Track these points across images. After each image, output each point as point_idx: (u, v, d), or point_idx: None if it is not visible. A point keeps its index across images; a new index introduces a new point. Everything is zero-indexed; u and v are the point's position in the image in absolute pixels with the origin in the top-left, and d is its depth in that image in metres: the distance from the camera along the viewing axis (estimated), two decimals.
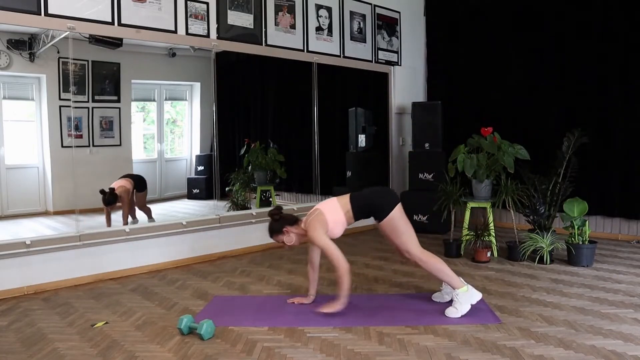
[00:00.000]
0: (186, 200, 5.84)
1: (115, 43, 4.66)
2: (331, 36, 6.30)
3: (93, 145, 4.96)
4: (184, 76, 5.78)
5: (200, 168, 5.92)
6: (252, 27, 5.49)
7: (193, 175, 5.96)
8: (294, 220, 3.58)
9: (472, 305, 3.39)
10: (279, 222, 3.55)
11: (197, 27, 5.05)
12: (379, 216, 3.47)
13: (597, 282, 4.16)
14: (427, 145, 6.49)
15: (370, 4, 6.79)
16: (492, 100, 6.74)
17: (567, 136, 5.06)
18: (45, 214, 4.79)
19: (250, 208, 5.84)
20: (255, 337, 3.10)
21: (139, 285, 4.30)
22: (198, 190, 5.87)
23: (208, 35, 5.15)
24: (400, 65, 7.25)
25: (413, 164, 6.60)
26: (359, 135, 6.67)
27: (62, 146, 4.77)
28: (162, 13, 4.79)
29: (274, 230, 3.57)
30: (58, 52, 4.50)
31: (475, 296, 3.41)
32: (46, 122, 4.77)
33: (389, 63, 7.09)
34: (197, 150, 5.98)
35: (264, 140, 6.12)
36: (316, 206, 3.58)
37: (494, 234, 5.05)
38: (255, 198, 6.05)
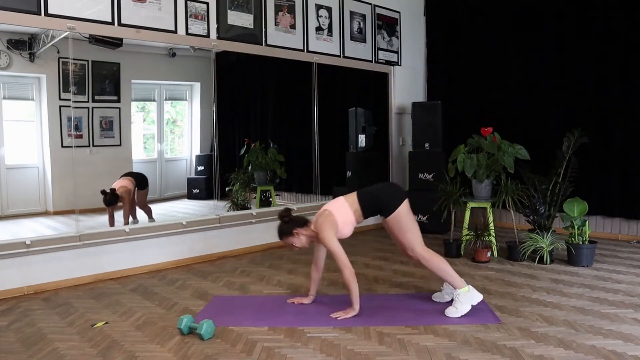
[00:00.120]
0: (186, 200, 5.84)
1: (115, 43, 4.66)
2: (331, 36, 6.30)
3: (93, 145, 4.97)
4: (184, 76, 5.78)
5: (200, 168, 5.92)
6: (252, 27, 5.49)
7: (193, 175, 5.96)
8: (303, 222, 3.54)
9: (472, 306, 3.39)
10: (289, 224, 3.52)
11: (197, 27, 5.05)
12: (386, 212, 3.46)
13: (597, 282, 4.16)
14: (427, 145, 6.49)
15: (370, 4, 6.79)
16: (492, 100, 6.74)
17: (567, 136, 5.06)
18: (45, 214, 4.79)
19: (250, 208, 5.84)
20: (255, 337, 3.10)
21: (139, 285, 4.30)
22: (198, 190, 5.87)
23: (208, 35, 5.15)
24: (400, 65, 7.25)
25: (413, 164, 6.60)
26: (359, 135, 6.67)
27: (62, 146, 4.77)
28: (162, 13, 4.79)
29: (284, 233, 3.53)
30: (58, 52, 4.50)
31: (476, 297, 3.41)
32: (46, 122, 4.77)
33: (389, 63, 7.09)
34: (197, 150, 5.98)
35: (264, 140, 6.12)
36: (325, 206, 3.56)
37: (494, 234, 5.05)
38: (255, 198, 6.05)
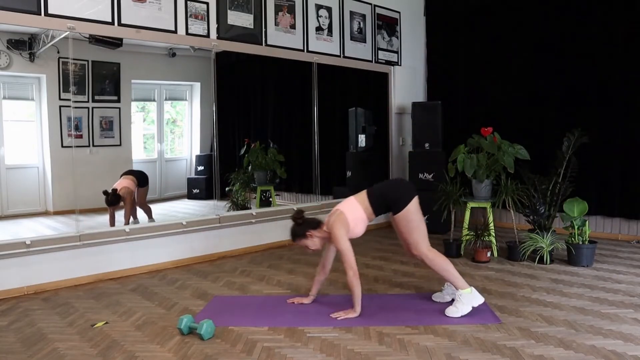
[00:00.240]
0: (186, 200, 5.84)
1: (115, 43, 4.66)
2: (331, 36, 6.30)
3: (93, 145, 4.97)
4: (184, 76, 5.78)
5: (200, 168, 5.92)
6: (252, 27, 5.49)
7: (193, 175, 5.96)
8: (316, 223, 3.53)
9: (473, 307, 3.39)
10: (302, 226, 3.51)
11: (197, 27, 5.05)
12: (395, 209, 3.45)
13: (597, 282, 4.16)
14: (427, 145, 6.49)
15: (370, 4, 6.79)
16: (492, 100, 6.74)
17: (567, 136, 5.06)
18: (45, 214, 4.79)
19: (250, 208, 5.84)
20: (255, 337, 3.10)
21: (139, 285, 4.30)
22: (198, 190, 5.87)
23: (208, 35, 5.15)
24: (400, 65, 7.25)
25: (413, 164, 6.60)
26: (359, 135, 6.67)
27: (62, 146, 4.77)
28: (162, 13, 4.79)
29: (297, 235, 3.53)
30: (58, 52, 4.50)
31: (478, 299, 3.40)
32: (46, 122, 4.77)
33: (389, 63, 7.09)
34: (197, 150, 5.98)
35: (264, 140, 6.12)
36: (336, 206, 3.55)
37: (494, 234, 5.05)
38: (255, 198, 6.05)
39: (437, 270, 3.48)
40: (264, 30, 5.59)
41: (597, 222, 5.95)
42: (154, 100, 5.70)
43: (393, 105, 7.15)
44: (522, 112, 6.46)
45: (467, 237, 5.01)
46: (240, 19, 5.39)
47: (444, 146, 6.45)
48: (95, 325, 3.34)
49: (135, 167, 5.30)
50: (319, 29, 6.17)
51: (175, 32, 4.90)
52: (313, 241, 3.51)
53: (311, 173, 6.24)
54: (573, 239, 4.71)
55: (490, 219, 5.10)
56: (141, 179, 5.15)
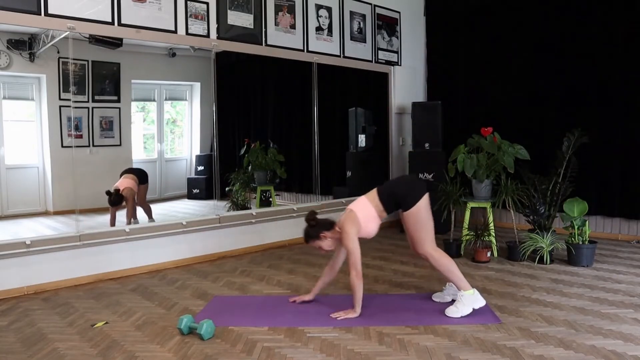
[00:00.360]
0: (186, 200, 5.84)
1: (115, 43, 4.66)
2: (331, 36, 6.30)
3: (93, 145, 4.97)
4: (184, 76, 5.78)
5: (200, 168, 5.92)
6: (252, 27, 5.49)
7: (193, 175, 5.96)
8: (329, 224, 3.52)
9: (473, 309, 3.39)
10: (315, 228, 3.49)
11: (197, 27, 5.05)
12: (404, 206, 3.44)
13: (597, 282, 4.16)
14: (427, 145, 6.49)
15: (370, 4, 6.79)
16: (492, 100, 6.74)
17: (567, 136, 5.06)
18: (45, 214, 4.79)
19: (250, 208, 5.84)
20: (255, 337, 3.10)
21: (139, 285, 4.30)
22: (198, 190, 5.87)
23: (208, 35, 5.15)
24: (400, 65, 7.25)
25: (413, 164, 6.60)
26: (359, 135, 6.67)
27: (62, 146, 4.77)
28: (162, 13, 4.79)
29: (311, 237, 3.51)
30: (58, 52, 4.50)
31: (479, 302, 3.40)
32: (46, 122, 4.77)
33: (389, 63, 7.09)
34: (197, 150, 5.98)
35: (264, 140, 6.12)
36: (348, 206, 3.55)
37: (494, 234, 5.05)
38: (255, 198, 6.05)
39: (441, 271, 3.48)
40: (264, 30, 5.59)
41: (597, 222, 5.95)
42: (154, 100, 5.70)
43: (393, 105, 7.15)
44: (522, 112, 6.46)
45: (467, 237, 5.01)
46: (240, 19, 5.39)
47: (444, 146, 6.45)
48: (95, 325, 3.34)
49: (135, 167, 5.29)
50: (319, 29, 6.17)
51: (175, 32, 4.90)
52: (327, 242, 3.50)
53: (311, 173, 6.24)
54: (573, 239, 4.72)
55: (490, 219, 5.10)
56: (141, 176, 5.15)
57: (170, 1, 4.85)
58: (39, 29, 4.33)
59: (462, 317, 3.36)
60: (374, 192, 3.53)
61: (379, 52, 6.94)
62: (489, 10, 6.81)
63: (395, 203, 3.49)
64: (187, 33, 4.98)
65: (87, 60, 4.85)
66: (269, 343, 3.01)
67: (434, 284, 4.13)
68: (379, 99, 7.08)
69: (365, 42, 6.73)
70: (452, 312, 3.39)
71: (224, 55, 5.42)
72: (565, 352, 2.81)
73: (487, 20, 6.83)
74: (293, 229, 5.88)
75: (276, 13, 5.71)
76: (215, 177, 5.39)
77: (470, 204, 5.20)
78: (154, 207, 5.29)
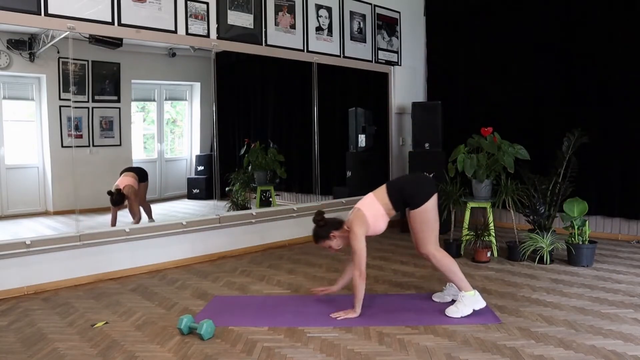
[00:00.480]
0: (186, 200, 5.84)
1: (115, 43, 4.66)
2: (331, 36, 6.30)
3: (93, 145, 4.97)
4: (184, 76, 5.78)
5: (200, 168, 5.92)
6: (252, 27, 5.49)
7: (193, 175, 5.96)
8: (338, 223, 3.51)
9: (474, 310, 3.39)
10: (324, 228, 3.48)
11: (197, 27, 5.05)
12: (412, 205, 3.42)
13: (597, 282, 4.16)
14: (427, 145, 6.49)
15: (370, 4, 6.78)
16: (492, 100, 6.74)
17: (567, 136, 5.06)
18: (45, 214, 4.79)
19: (250, 208, 5.84)
20: (255, 337, 3.10)
21: (139, 285, 4.30)
22: (198, 190, 5.87)
23: (208, 35, 5.15)
24: (400, 65, 7.24)
25: (413, 164, 6.59)
26: (359, 135, 6.67)
27: (62, 146, 4.77)
28: (162, 13, 4.79)
29: (321, 237, 3.50)
30: (58, 52, 4.50)
31: (480, 303, 3.40)
32: (46, 122, 4.77)
33: (389, 63, 7.09)
34: (197, 150, 5.98)
35: (264, 140, 6.12)
36: (356, 205, 3.53)
37: (494, 234, 5.05)
38: (255, 198, 6.05)
39: (442, 271, 3.48)
40: (264, 30, 5.59)
41: (597, 222, 5.95)
42: (154, 100, 5.70)
43: (393, 105, 7.14)
44: (522, 112, 6.46)
45: (467, 237, 5.01)
46: (240, 19, 5.39)
47: (444, 146, 6.45)
48: (95, 325, 3.34)
49: (134, 166, 5.30)
50: (319, 29, 6.17)
51: (175, 32, 4.90)
52: (337, 242, 3.50)
53: (311, 173, 6.24)
54: (573, 239, 4.72)
55: (490, 219, 5.10)
56: (141, 174, 5.15)
57: (170, 1, 4.85)
58: (39, 29, 4.33)
59: (462, 317, 3.36)
60: (382, 190, 3.51)
61: (379, 52, 6.94)
62: (489, 10, 6.81)
63: (403, 201, 3.47)
64: (187, 33, 4.98)
65: (87, 60, 4.85)
66: (269, 343, 3.01)
67: (434, 284, 4.13)
68: (379, 99, 7.08)
69: (365, 42, 6.73)
70: (452, 312, 3.39)
71: (224, 55, 5.42)
72: (565, 352, 2.81)
73: (487, 20, 6.83)
74: (293, 229, 5.89)
75: (276, 13, 5.71)
76: (215, 177, 5.39)
77: (470, 204, 5.20)
78: (154, 207, 5.29)
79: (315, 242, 3.56)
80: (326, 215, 3.53)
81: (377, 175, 6.87)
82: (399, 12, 7.21)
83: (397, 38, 7.20)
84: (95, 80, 4.96)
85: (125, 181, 4.96)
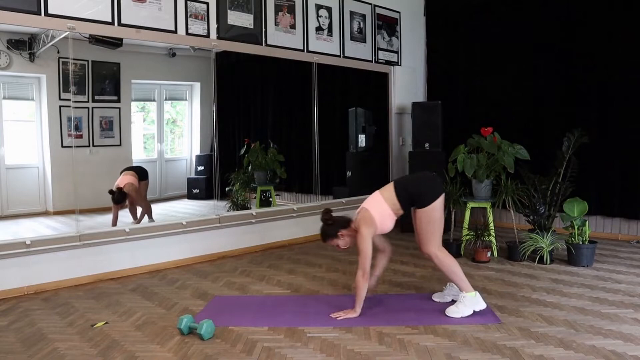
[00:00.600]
0: (186, 200, 5.84)
1: (115, 43, 4.66)
2: (331, 36, 6.30)
3: (93, 145, 4.97)
4: (184, 76, 5.78)
5: (200, 168, 5.92)
6: (252, 27, 5.49)
7: (193, 175, 5.96)
8: (346, 222, 3.50)
9: (474, 311, 3.39)
10: (333, 226, 3.48)
11: (197, 27, 5.05)
12: (420, 204, 3.41)
13: (597, 282, 4.16)
14: (427, 145, 6.49)
15: (370, 4, 6.78)
16: (492, 100, 6.74)
17: (567, 136, 5.06)
18: (45, 214, 4.79)
19: (250, 208, 5.84)
20: (255, 337, 3.10)
21: (139, 285, 4.30)
22: (198, 190, 5.87)
23: (208, 35, 5.15)
24: (400, 65, 7.25)
25: (413, 164, 6.59)
26: (359, 135, 6.67)
27: (62, 146, 4.77)
28: (162, 13, 4.79)
29: (329, 235, 3.50)
30: (58, 52, 4.50)
31: (480, 305, 3.40)
32: (46, 122, 4.77)
33: (389, 63, 7.09)
34: (197, 150, 5.98)
35: (264, 140, 6.12)
36: (363, 204, 3.51)
37: (494, 234, 5.05)
38: (255, 198, 6.05)
39: (444, 271, 3.47)
40: (264, 30, 5.59)
41: (597, 222, 5.95)
42: (154, 100, 5.71)
43: (393, 105, 7.15)
44: (522, 112, 6.46)
45: (467, 237, 5.01)
46: (240, 19, 5.39)
47: (444, 146, 6.45)
48: (95, 326, 3.34)
49: (134, 165, 5.30)
50: (319, 29, 6.17)
51: (175, 32, 4.90)
52: (344, 240, 3.49)
53: (311, 173, 6.24)
54: (573, 239, 4.71)
55: (490, 219, 5.10)
56: (141, 173, 5.16)
57: (170, 1, 4.85)
58: (39, 29, 4.33)
59: (462, 317, 3.36)
60: (390, 188, 3.48)
61: (379, 52, 6.94)
62: (489, 10, 6.81)
63: (411, 200, 3.45)
64: (187, 33, 4.98)
65: (87, 60, 4.85)
66: (269, 343, 3.01)
67: (434, 284, 4.13)
68: (379, 99, 7.08)
69: (365, 42, 6.73)
70: (453, 312, 3.38)
71: (224, 55, 5.42)
72: (565, 352, 2.81)
73: (487, 20, 6.83)
74: (293, 229, 5.89)
75: (276, 13, 5.71)
76: (215, 177, 5.39)
77: (470, 204, 5.20)
78: (154, 207, 5.29)
79: (323, 241, 3.55)
80: (333, 214, 3.53)
81: (377, 175, 6.88)
82: (399, 12, 7.21)
83: (397, 38, 7.20)
84: (95, 80, 4.96)
85: (125, 180, 4.97)
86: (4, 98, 4.60)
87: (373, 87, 7.04)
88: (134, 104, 5.45)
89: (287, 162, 6.13)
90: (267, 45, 5.62)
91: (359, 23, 6.65)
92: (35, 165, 4.81)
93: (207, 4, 5.12)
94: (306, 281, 4.34)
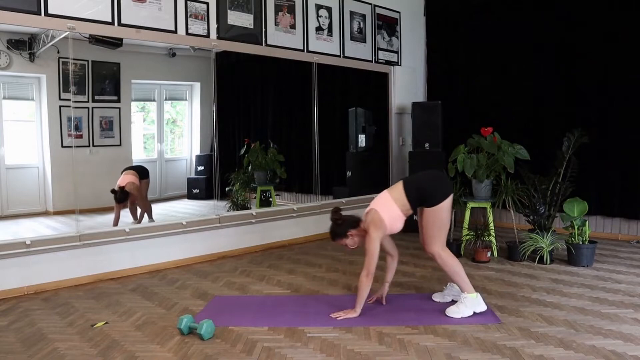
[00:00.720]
0: (186, 200, 5.84)
1: (115, 43, 4.66)
2: (331, 36, 6.30)
3: (93, 145, 4.97)
4: (184, 76, 5.78)
5: (200, 168, 5.92)
6: (252, 27, 5.49)
7: (193, 175, 5.96)
8: (355, 222, 3.49)
9: (474, 312, 3.38)
10: (342, 226, 3.47)
11: (197, 27, 5.05)
12: (428, 203, 3.40)
13: (597, 282, 4.16)
14: (427, 145, 6.48)
15: (370, 4, 6.78)
16: (492, 100, 6.74)
17: (567, 136, 5.06)
18: (45, 214, 4.79)
19: (250, 208, 5.84)
20: (255, 337, 3.10)
21: (139, 285, 4.30)
22: (198, 190, 5.87)
23: (208, 35, 5.14)
24: (400, 65, 7.24)
25: (413, 164, 6.59)
26: (359, 135, 6.67)
27: (62, 146, 4.77)
28: (162, 13, 4.79)
29: (338, 235, 3.49)
30: (58, 52, 4.50)
31: (481, 306, 3.40)
32: (46, 122, 4.77)
33: (389, 63, 7.09)
34: (197, 150, 5.98)
35: (264, 140, 6.12)
36: (372, 204, 3.48)
37: (494, 234, 5.05)
38: (255, 198, 6.05)
39: (447, 271, 3.47)
40: (264, 30, 5.59)
41: (597, 222, 5.95)
42: (154, 100, 5.71)
43: (393, 105, 7.15)
44: (522, 112, 6.46)
45: (467, 237, 5.01)
46: (240, 19, 5.39)
47: (444, 146, 6.45)
48: (95, 326, 3.34)
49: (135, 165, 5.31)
50: (319, 29, 6.17)
51: (175, 32, 4.90)
52: (353, 240, 3.50)
53: (311, 173, 6.24)
54: (573, 239, 4.71)
55: (490, 219, 5.10)
56: (142, 172, 5.17)
57: (170, 1, 4.85)
58: (39, 29, 4.33)
59: (462, 317, 3.35)
60: (399, 188, 3.45)
61: (379, 52, 6.94)
62: (489, 10, 6.81)
63: (421, 199, 3.44)
64: (187, 33, 4.98)
65: (87, 60, 4.85)
66: (269, 343, 3.01)
67: (434, 284, 4.13)
68: (379, 99, 7.08)
69: (365, 42, 6.73)
70: (453, 312, 3.38)
71: (224, 55, 5.42)
72: (565, 352, 2.81)
73: (487, 20, 6.82)
74: (293, 229, 5.89)
75: (276, 13, 5.71)
76: (215, 177, 5.39)
77: (470, 204, 5.19)
78: (154, 207, 5.29)
79: (332, 240, 3.55)
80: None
81: (377, 175, 6.88)
82: (399, 12, 7.21)
83: (397, 38, 7.20)
84: (95, 80, 4.96)
85: (126, 179, 4.98)
86: (4, 98, 4.60)
87: (373, 87, 7.04)
88: (134, 104, 5.45)
89: (287, 162, 6.13)
90: (267, 45, 5.62)
91: (359, 23, 6.65)
92: (35, 165, 4.81)
93: (207, 4, 5.12)
94: (306, 281, 4.34)
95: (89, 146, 4.93)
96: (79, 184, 4.45)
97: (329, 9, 6.27)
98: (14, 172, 4.67)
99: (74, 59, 4.51)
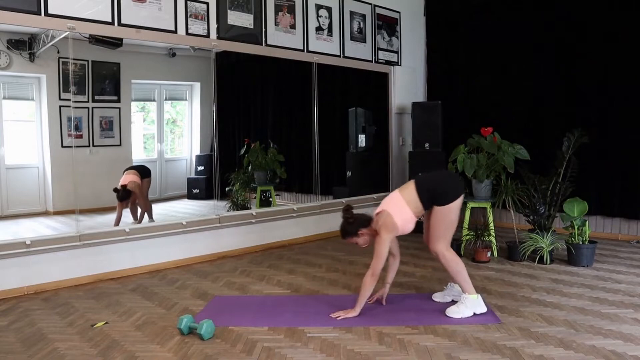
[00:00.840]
0: (186, 200, 5.85)
1: (115, 43, 4.66)
2: (331, 36, 6.30)
3: (93, 145, 4.97)
4: (184, 76, 5.78)
5: (200, 168, 5.92)
6: (252, 27, 5.49)
7: (193, 175, 5.96)
8: (367, 221, 3.48)
9: (475, 313, 3.38)
10: (354, 224, 3.47)
11: (197, 27, 5.05)
12: (441, 202, 3.39)
13: (597, 282, 4.16)
14: (427, 145, 6.48)
15: (370, 4, 6.78)
16: (492, 100, 6.74)
17: (567, 136, 5.06)
18: (45, 214, 4.79)
19: (250, 208, 5.84)
20: (255, 337, 3.10)
21: (139, 285, 4.30)
22: (198, 190, 5.87)
23: (208, 35, 5.14)
24: (400, 65, 7.24)
25: (413, 164, 6.59)
26: (359, 135, 6.67)
27: (62, 146, 4.77)
28: (162, 13, 4.79)
29: (349, 233, 3.49)
30: (58, 52, 4.50)
31: (481, 307, 3.40)
32: (46, 122, 4.77)
33: (389, 63, 7.09)
34: (197, 150, 5.98)
35: (264, 140, 6.12)
36: (382, 205, 3.47)
37: (494, 234, 5.05)
38: (255, 198, 6.05)
39: (449, 271, 3.47)
40: (264, 30, 5.59)
41: (597, 222, 5.95)
42: (154, 100, 5.71)
43: (393, 105, 7.15)
44: (522, 112, 6.46)
45: (467, 237, 5.01)
46: (240, 19, 5.39)
47: (444, 146, 6.45)
48: (95, 326, 3.34)
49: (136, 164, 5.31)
50: (319, 29, 6.17)
51: (175, 32, 4.90)
52: (364, 239, 3.50)
53: (311, 173, 6.24)
54: (573, 239, 4.71)
55: (490, 219, 5.10)
56: (143, 171, 5.18)
57: (170, 1, 4.85)
58: (39, 29, 4.33)
59: (462, 318, 3.36)
60: (411, 189, 3.44)
61: (379, 52, 6.94)
62: (488, 10, 6.81)
63: (433, 199, 3.43)
64: (187, 33, 4.98)
65: (87, 60, 4.85)
66: (269, 343, 3.01)
67: (434, 284, 4.13)
68: (379, 99, 7.08)
69: (365, 42, 6.73)
70: (453, 312, 3.39)
71: (224, 55, 5.42)
72: (565, 352, 2.81)
73: (487, 20, 6.82)
74: (293, 229, 5.89)
75: (276, 13, 5.71)
76: (215, 177, 5.39)
77: (470, 204, 5.19)
78: (154, 207, 5.29)
79: (342, 238, 3.55)
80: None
81: (377, 175, 6.88)
82: (399, 12, 7.21)
83: (397, 38, 7.20)
84: (95, 80, 4.96)
85: (128, 178, 4.99)
86: (4, 98, 4.60)
87: (373, 87, 7.04)
88: (134, 104, 5.45)
89: (287, 162, 6.13)
90: (267, 45, 5.62)
91: (359, 23, 6.65)
92: (35, 165, 4.81)
93: (207, 4, 5.12)
94: (306, 281, 4.34)
95: (89, 146, 4.94)
96: (79, 184, 4.45)
97: (329, 9, 6.27)
98: (14, 172, 4.67)
99: (74, 59, 4.51)
